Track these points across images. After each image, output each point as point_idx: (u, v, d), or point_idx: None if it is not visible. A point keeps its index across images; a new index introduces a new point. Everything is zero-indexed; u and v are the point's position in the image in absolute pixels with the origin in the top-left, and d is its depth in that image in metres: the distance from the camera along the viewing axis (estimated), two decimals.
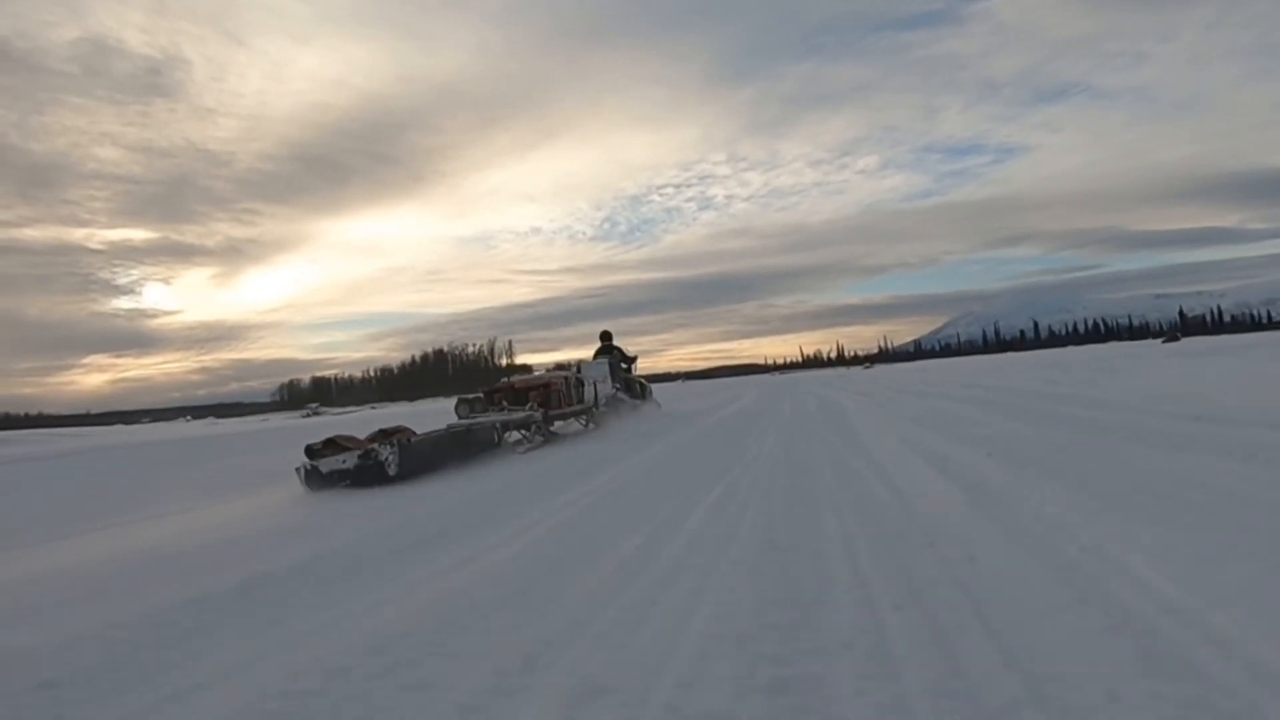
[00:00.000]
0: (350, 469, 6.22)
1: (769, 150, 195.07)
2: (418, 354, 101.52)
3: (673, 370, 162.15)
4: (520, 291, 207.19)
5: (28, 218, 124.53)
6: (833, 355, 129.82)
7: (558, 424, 9.98)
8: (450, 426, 8.20)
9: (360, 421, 15.95)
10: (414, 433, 7.09)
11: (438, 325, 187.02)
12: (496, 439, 8.37)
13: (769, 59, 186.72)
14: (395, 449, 6.31)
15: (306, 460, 6.41)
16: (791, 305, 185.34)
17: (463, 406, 9.39)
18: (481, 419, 8.88)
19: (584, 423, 10.82)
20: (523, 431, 9.03)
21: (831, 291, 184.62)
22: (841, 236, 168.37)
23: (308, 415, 39.97)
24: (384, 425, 7.30)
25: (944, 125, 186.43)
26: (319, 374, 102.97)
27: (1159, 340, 54.08)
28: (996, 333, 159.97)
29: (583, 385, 10.62)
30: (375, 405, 63.99)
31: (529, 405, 9.24)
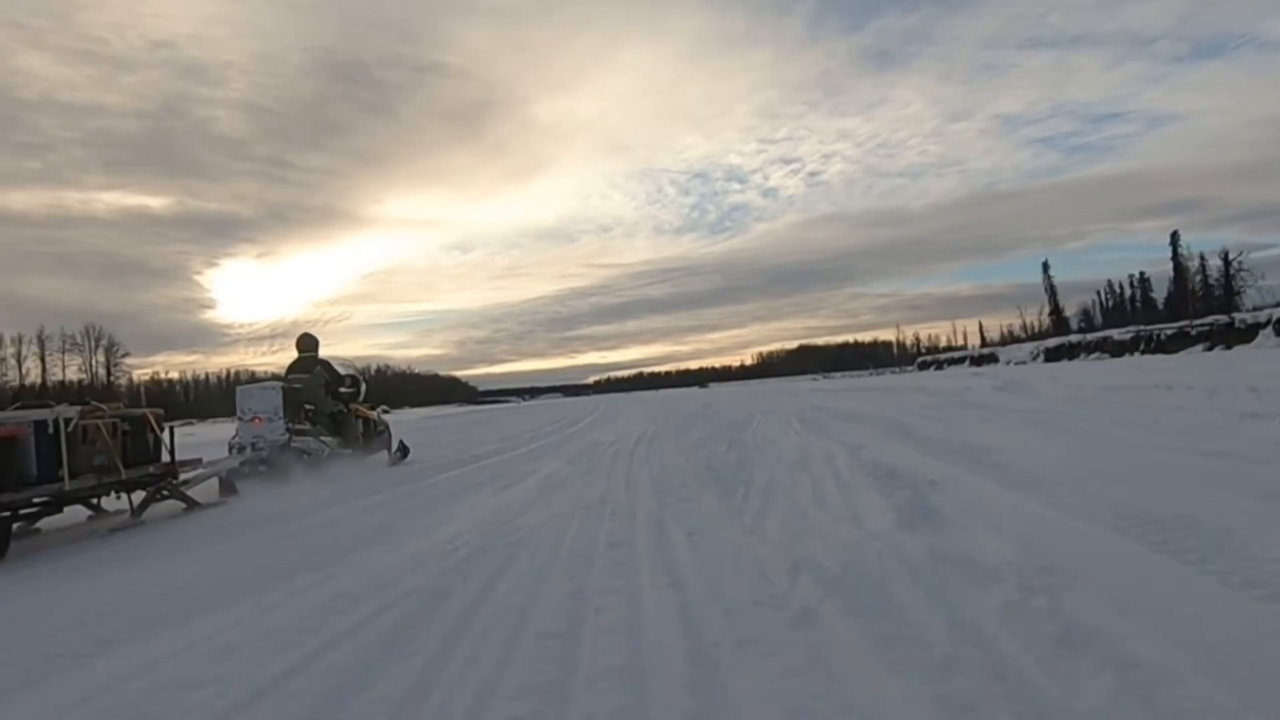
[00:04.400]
0: None
1: (870, 117, 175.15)
2: None
3: (726, 365, 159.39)
4: (583, 281, 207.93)
5: None
6: (957, 340, 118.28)
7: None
8: None
9: None
10: None
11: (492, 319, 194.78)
12: None
13: (876, 10, 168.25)
14: None
15: None
16: (893, 293, 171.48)
17: None
18: None
19: (190, 502, 6.32)
20: None
21: (939, 278, 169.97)
22: (952, 218, 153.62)
23: None
24: None
25: (1080, 89, 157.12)
26: None
27: None
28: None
29: (136, 436, 5.96)
30: None
31: None
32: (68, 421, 5.12)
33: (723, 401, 23.23)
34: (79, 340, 70.65)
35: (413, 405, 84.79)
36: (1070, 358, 44.76)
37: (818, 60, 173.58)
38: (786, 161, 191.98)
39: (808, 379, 78.83)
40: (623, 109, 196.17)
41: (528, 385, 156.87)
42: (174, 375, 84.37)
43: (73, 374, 68.99)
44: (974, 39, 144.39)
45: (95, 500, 5.92)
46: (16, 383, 62.78)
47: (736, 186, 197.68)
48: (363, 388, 9.41)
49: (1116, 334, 43.77)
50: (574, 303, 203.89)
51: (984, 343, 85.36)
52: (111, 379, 67.87)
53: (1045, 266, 73.71)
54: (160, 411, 6.37)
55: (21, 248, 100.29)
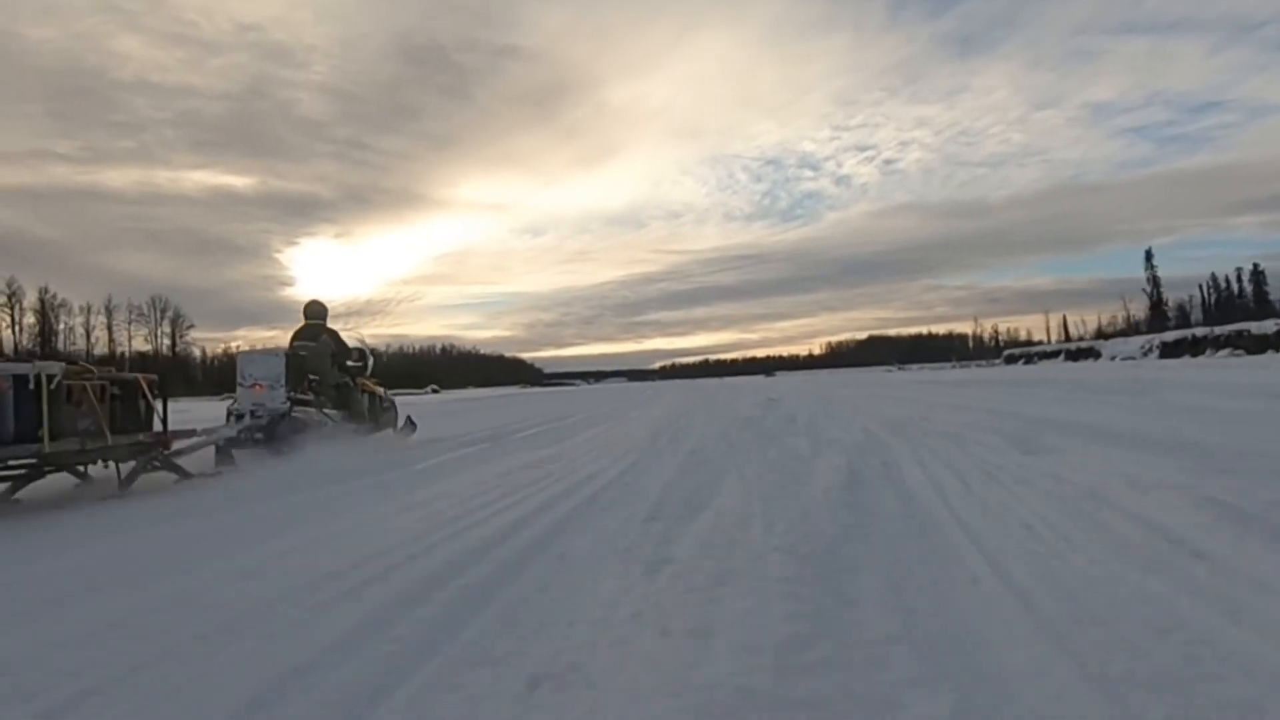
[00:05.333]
0: None
1: (951, 104, 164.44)
2: None
3: (798, 354, 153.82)
4: (652, 266, 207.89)
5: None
6: (1038, 335, 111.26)
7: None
8: None
9: None
10: None
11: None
12: None
13: None
14: None
15: None
16: (968, 286, 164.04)
17: None
18: None
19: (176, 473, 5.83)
20: None
21: (1017, 270, 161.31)
22: (1034, 210, 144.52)
23: None
24: None
25: (1177, 77, 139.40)
26: None
27: None
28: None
29: (127, 401, 5.59)
30: None
31: None
32: (50, 379, 4.75)
33: (795, 394, 16.17)
34: (145, 311, 72.49)
35: (476, 385, 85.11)
36: (1194, 354, 40.31)
37: (898, 45, 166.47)
38: (861, 149, 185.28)
39: (881, 370, 75.11)
40: (696, 94, 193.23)
41: (594, 369, 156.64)
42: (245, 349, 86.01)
43: (139, 344, 71.18)
44: (1064, 24, 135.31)
45: (82, 468, 5.44)
46: (84, 351, 65.42)
47: (809, 174, 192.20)
48: (370, 361, 8.88)
49: (1254, 327, 38.69)
50: (642, 288, 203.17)
51: (1067, 337, 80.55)
52: (177, 350, 69.56)
53: (1149, 255, 68.53)
54: (154, 377, 5.95)
55: (115, 224, 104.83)
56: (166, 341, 72.46)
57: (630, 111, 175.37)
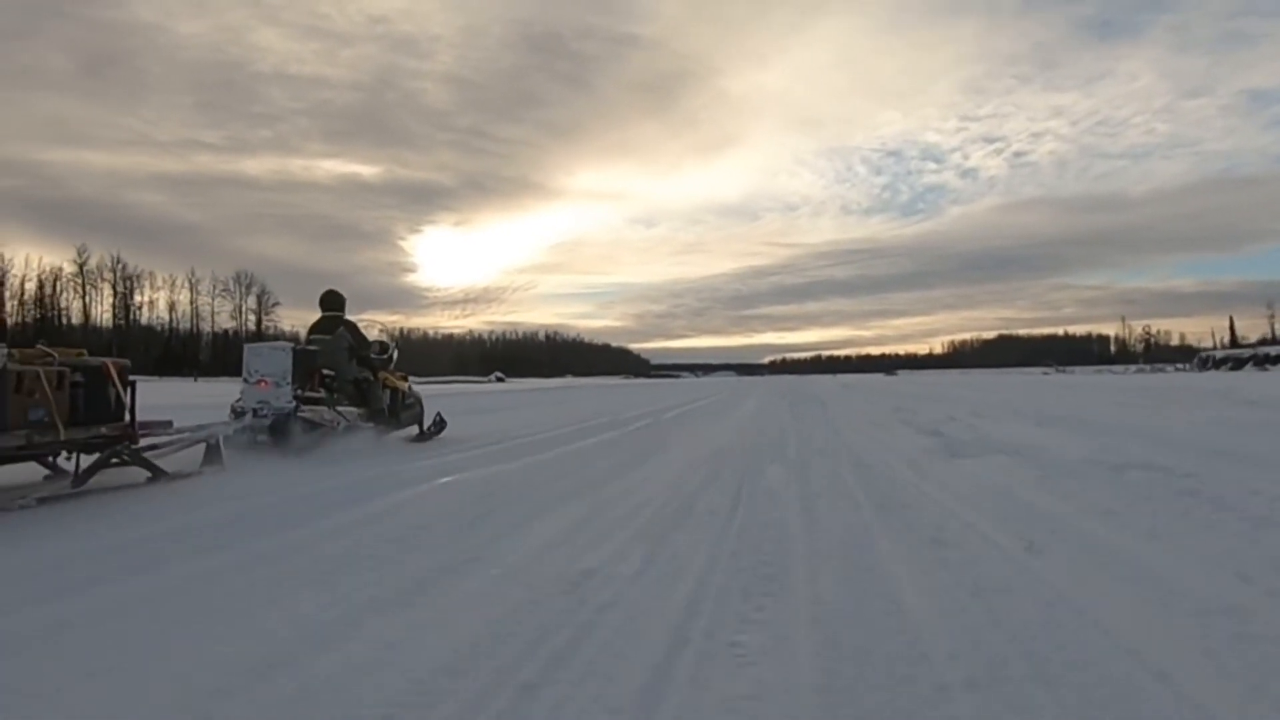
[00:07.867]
0: None
1: (1089, 92, 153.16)
2: None
3: (916, 352, 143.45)
4: (765, 259, 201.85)
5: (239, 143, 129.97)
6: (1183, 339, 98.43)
7: None
8: None
9: None
10: None
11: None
12: None
13: None
14: None
15: None
16: (1102, 286, 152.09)
17: None
18: None
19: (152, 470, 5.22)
20: None
21: (1157, 270, 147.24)
22: (1179, 205, 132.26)
23: None
24: None
25: None
26: None
27: None
28: None
29: (92, 389, 5.01)
30: None
31: None
32: None
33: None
34: (230, 287, 70.17)
35: (576, 374, 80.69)
36: None
37: (1032, 30, 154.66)
38: (989, 140, 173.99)
39: (1031, 373, 65.82)
40: (816, 83, 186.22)
41: (702, 362, 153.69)
42: None
43: (224, 320, 69.30)
44: (1217, 6, 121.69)
45: (51, 458, 5.15)
46: (165, 323, 64.44)
47: (932, 166, 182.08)
48: (394, 354, 8.54)
49: None
50: (754, 281, 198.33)
51: (1234, 341, 70.01)
52: (262, 327, 67.13)
53: None
54: (125, 363, 5.34)
55: (253, 210, 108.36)
56: (251, 318, 70.07)
57: (748, 101, 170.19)
